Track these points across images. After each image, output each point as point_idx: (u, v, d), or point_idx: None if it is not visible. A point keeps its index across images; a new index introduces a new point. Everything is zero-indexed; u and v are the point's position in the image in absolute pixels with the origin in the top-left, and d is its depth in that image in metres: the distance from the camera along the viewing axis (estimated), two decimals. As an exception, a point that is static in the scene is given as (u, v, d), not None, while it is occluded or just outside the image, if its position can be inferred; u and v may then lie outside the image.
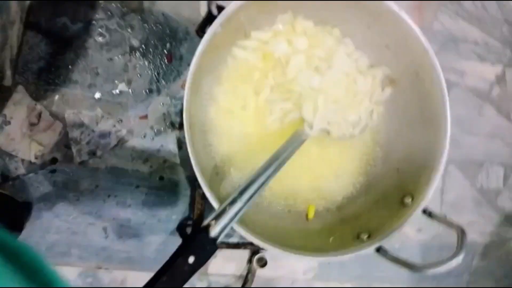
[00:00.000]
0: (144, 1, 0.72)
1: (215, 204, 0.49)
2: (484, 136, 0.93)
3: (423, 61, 0.59)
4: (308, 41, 0.62)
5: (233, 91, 0.61)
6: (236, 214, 0.46)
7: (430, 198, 0.56)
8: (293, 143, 0.55)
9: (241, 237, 0.72)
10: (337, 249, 0.55)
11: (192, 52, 0.73)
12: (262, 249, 0.64)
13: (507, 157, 0.95)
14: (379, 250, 0.55)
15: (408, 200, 0.58)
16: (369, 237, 0.57)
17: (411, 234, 0.88)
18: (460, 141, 0.91)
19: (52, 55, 0.67)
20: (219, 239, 0.45)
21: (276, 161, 0.52)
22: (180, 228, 0.71)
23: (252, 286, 0.74)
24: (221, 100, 0.61)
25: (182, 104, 0.72)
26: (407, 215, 0.56)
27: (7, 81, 0.65)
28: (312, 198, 0.63)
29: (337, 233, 0.59)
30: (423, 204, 0.56)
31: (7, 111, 0.65)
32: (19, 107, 0.66)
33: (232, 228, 0.47)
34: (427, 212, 0.57)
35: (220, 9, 0.52)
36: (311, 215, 0.63)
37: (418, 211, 0.56)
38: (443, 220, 0.55)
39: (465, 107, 0.92)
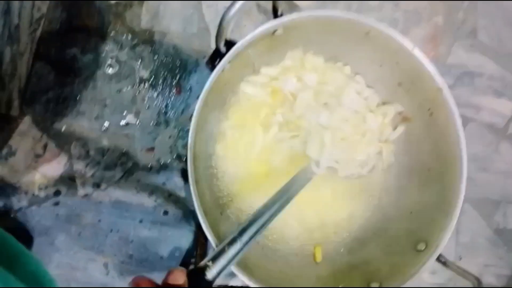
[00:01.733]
0: (155, 33, 0.71)
1: (214, 244, 0.47)
2: (500, 174, 0.90)
3: (437, 99, 0.57)
4: (317, 77, 0.60)
5: (240, 126, 0.60)
6: (235, 255, 0.43)
7: (444, 245, 0.53)
8: (298, 182, 0.53)
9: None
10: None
11: (201, 83, 0.73)
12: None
13: (525, 196, 0.91)
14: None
15: (421, 247, 0.55)
16: (380, 286, 0.54)
17: (425, 277, 0.84)
18: (475, 179, 0.88)
19: (60, 86, 0.67)
20: (217, 281, 0.42)
21: (280, 200, 0.49)
22: (184, 265, 0.69)
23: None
24: (228, 136, 0.59)
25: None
26: (420, 263, 0.53)
27: (14, 111, 0.64)
28: (321, 240, 0.61)
29: (347, 280, 0.56)
30: (437, 252, 0.53)
31: (12, 142, 0.65)
32: (25, 138, 0.65)
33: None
34: (441, 260, 0.54)
35: (229, 44, 0.51)
36: (318, 257, 0.60)
37: (432, 260, 0.53)
38: (458, 270, 0.52)
39: (481, 143, 0.89)
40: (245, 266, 0.48)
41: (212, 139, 0.59)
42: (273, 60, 0.59)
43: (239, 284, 0.70)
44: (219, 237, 0.48)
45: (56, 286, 0.32)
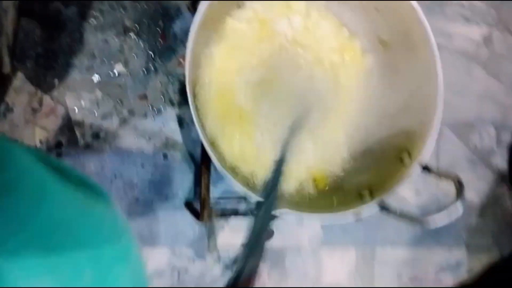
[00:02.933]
0: (134, -18, 0.72)
1: (218, 166, 0.50)
2: (474, 97, 0.95)
3: (411, 21, 0.60)
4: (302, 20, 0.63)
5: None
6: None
7: (427, 153, 0.58)
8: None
9: (248, 205, 0.75)
10: (341, 208, 0.57)
11: (185, 29, 0.75)
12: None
13: (498, 117, 0.97)
14: (383, 210, 0.57)
15: (406, 157, 0.60)
16: (371, 195, 0.59)
17: (409, 197, 0.90)
18: (451, 103, 0.92)
19: (48, 40, 0.68)
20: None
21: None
22: (188, 204, 0.73)
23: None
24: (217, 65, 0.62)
25: (179, 82, 0.74)
26: (406, 171, 0.58)
27: (6, 69, 0.65)
28: (314, 164, 0.65)
29: (340, 194, 0.61)
30: (421, 160, 0.58)
31: (8, 98, 0.66)
32: (20, 94, 0.66)
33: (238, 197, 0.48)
34: (424, 168, 0.59)
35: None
36: (322, 184, 0.64)
37: (416, 167, 0.58)
38: (440, 173, 0.57)
39: (454, 69, 0.93)
40: (250, 187, 0.52)
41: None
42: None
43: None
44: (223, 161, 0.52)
45: (102, 191, 0.35)
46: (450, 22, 0.93)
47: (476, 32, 0.96)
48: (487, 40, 0.96)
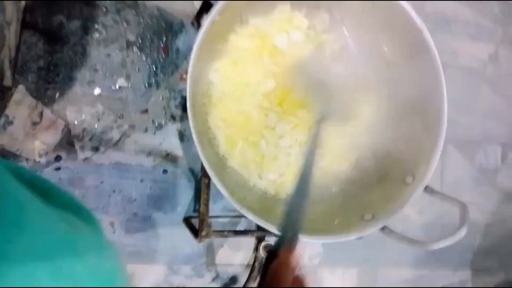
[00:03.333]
0: (138, -4, 0.72)
1: (220, 186, 0.50)
2: (480, 115, 0.94)
3: (417, 41, 0.60)
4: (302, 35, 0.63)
5: (229, 78, 0.62)
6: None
7: (431, 175, 0.57)
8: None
9: (248, 224, 0.74)
10: (342, 230, 0.56)
11: (188, 44, 0.74)
12: (268, 233, 0.65)
13: (504, 135, 0.96)
14: (384, 230, 0.56)
15: (409, 179, 0.59)
16: (373, 218, 0.58)
17: (413, 216, 0.89)
18: (457, 121, 0.92)
19: (50, 53, 0.68)
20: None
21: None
22: (187, 220, 0.72)
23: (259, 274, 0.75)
24: (219, 85, 0.61)
25: (181, 97, 0.73)
26: (409, 193, 0.57)
27: (7, 81, 0.65)
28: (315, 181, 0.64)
29: (341, 215, 0.60)
30: (424, 182, 0.57)
31: (8, 111, 0.65)
32: (21, 106, 0.66)
33: (239, 215, 0.48)
34: (428, 190, 0.58)
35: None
36: None
37: (419, 189, 0.57)
38: (444, 197, 0.56)
39: (460, 87, 0.93)
40: (248, 207, 0.52)
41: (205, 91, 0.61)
42: (259, 10, 0.61)
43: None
44: (224, 182, 0.51)
45: (89, 213, 0.34)
46: (456, 40, 0.92)
47: (482, 50, 0.95)
48: (493, 58, 0.95)
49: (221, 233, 0.62)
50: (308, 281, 0.37)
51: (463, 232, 0.50)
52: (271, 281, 0.36)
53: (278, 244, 0.40)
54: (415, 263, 0.88)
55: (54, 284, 0.26)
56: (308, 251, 0.81)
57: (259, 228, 0.68)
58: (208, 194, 0.62)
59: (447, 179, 0.91)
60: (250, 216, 0.51)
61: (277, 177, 0.62)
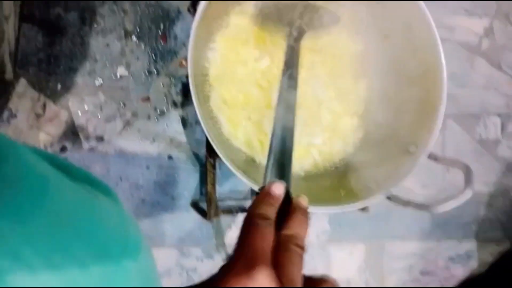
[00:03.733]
0: (134, -15, 0.72)
1: (227, 162, 0.50)
2: (478, 89, 0.95)
3: (414, 13, 0.60)
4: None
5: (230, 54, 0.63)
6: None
7: (433, 143, 0.58)
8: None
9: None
10: (349, 200, 0.57)
11: (185, 31, 0.75)
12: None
13: (502, 106, 0.97)
14: (390, 198, 0.57)
15: (412, 148, 0.60)
16: (378, 187, 0.58)
17: (416, 190, 0.90)
18: (455, 95, 0.92)
19: (50, 45, 0.68)
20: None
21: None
22: (194, 203, 0.73)
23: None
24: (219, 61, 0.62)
25: (182, 83, 0.74)
26: (413, 162, 0.58)
27: (9, 75, 0.66)
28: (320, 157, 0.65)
29: (347, 186, 0.61)
30: (428, 149, 0.57)
31: (11, 104, 0.66)
32: (23, 99, 0.67)
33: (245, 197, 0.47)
34: (432, 157, 0.58)
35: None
36: None
37: (424, 156, 0.57)
38: (447, 161, 0.57)
39: (457, 61, 0.93)
40: (257, 180, 0.52)
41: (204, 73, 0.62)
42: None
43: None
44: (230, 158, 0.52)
45: (107, 187, 0.35)
46: (451, 15, 0.93)
47: (477, 23, 0.96)
48: (488, 32, 0.96)
49: (229, 211, 0.63)
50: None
51: (469, 194, 0.50)
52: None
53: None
54: (421, 235, 0.89)
55: (78, 248, 0.27)
56: (315, 229, 0.81)
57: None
58: (214, 173, 0.62)
59: (448, 152, 0.92)
60: (258, 189, 0.51)
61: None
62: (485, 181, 0.95)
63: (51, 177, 0.27)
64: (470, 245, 0.93)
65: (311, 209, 0.54)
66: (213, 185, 0.61)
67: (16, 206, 0.24)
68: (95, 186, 0.33)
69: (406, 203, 0.54)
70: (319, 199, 0.58)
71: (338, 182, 0.63)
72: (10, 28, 0.65)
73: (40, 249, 0.24)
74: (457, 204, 0.51)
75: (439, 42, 0.60)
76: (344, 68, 0.66)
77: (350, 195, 0.58)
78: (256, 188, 0.51)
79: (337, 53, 0.66)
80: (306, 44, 0.61)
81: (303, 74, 0.62)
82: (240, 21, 0.61)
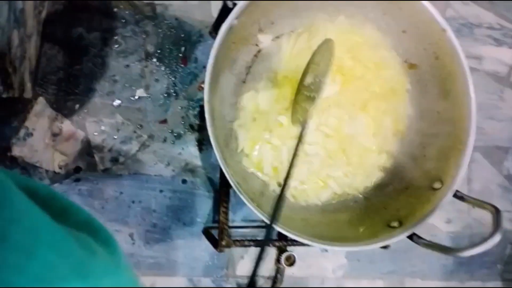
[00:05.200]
0: (157, 7, 0.72)
1: (244, 198, 0.48)
2: (507, 121, 0.91)
3: (441, 42, 0.58)
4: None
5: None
6: None
7: (460, 180, 0.55)
8: None
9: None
10: (368, 238, 0.54)
11: (206, 54, 0.74)
12: (291, 242, 0.64)
13: (532, 141, 0.93)
14: (412, 238, 0.54)
15: (437, 185, 0.57)
16: (400, 225, 0.56)
17: (440, 226, 0.86)
18: (483, 127, 0.89)
19: (70, 65, 0.68)
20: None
21: None
22: (206, 231, 0.71)
23: (281, 287, 0.73)
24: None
25: (200, 106, 0.73)
26: (438, 199, 0.55)
27: (27, 93, 0.65)
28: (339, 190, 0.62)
29: (367, 223, 0.58)
30: (454, 187, 0.54)
31: (29, 123, 0.66)
32: (41, 118, 0.66)
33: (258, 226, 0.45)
34: (458, 196, 0.55)
35: (235, 5, 0.52)
36: None
37: (449, 194, 0.54)
38: (475, 202, 0.54)
39: (486, 92, 0.90)
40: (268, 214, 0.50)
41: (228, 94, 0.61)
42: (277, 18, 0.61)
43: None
44: (244, 189, 0.50)
45: (107, 233, 0.33)
46: (480, 45, 0.90)
47: (506, 54, 0.92)
48: (518, 62, 0.92)
49: (242, 242, 0.60)
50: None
51: (497, 238, 0.47)
52: None
53: None
54: (443, 275, 0.84)
55: None
56: (331, 264, 0.78)
57: (280, 237, 0.66)
58: (227, 202, 0.60)
59: (475, 187, 0.88)
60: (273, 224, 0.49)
61: (298, 184, 0.61)
62: (510, 218, 0.91)
63: (43, 234, 0.24)
64: (494, 285, 0.88)
65: (327, 246, 0.51)
66: (226, 214, 0.59)
67: (2, 261, 0.22)
68: (94, 232, 0.31)
69: (430, 246, 0.51)
70: (336, 235, 0.55)
71: (357, 218, 0.60)
72: (31, 47, 0.66)
73: None
74: (485, 249, 0.48)
75: (468, 72, 0.57)
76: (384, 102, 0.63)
77: (370, 233, 0.55)
78: (267, 220, 0.49)
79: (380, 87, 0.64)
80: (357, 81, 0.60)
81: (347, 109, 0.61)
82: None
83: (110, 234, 0.32)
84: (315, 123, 0.61)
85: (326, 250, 0.77)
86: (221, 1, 0.52)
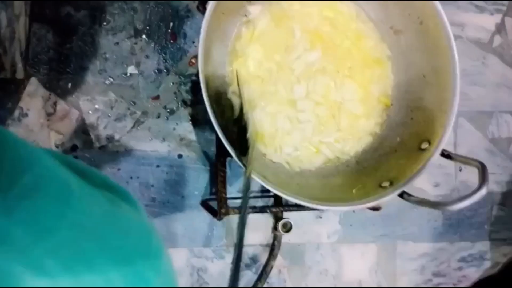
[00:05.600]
0: (143, -17, 0.72)
1: (237, 159, 0.50)
2: (490, 86, 0.94)
3: (425, 7, 0.59)
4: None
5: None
6: None
7: (446, 139, 0.57)
8: None
9: (264, 204, 0.74)
10: (361, 199, 0.56)
11: (195, 29, 0.75)
12: (287, 208, 0.66)
13: (516, 105, 0.95)
14: (403, 196, 0.56)
15: (425, 145, 0.59)
16: (391, 185, 0.58)
17: (428, 189, 0.88)
18: (467, 93, 0.91)
19: (60, 44, 0.68)
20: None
21: None
22: (204, 203, 0.73)
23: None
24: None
25: (192, 81, 0.74)
26: (426, 159, 0.57)
27: (19, 74, 0.66)
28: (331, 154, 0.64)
29: (359, 184, 0.60)
30: (440, 146, 0.56)
31: (23, 103, 0.66)
32: (34, 98, 0.67)
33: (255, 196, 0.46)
34: (445, 154, 0.58)
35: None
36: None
37: (436, 153, 0.56)
38: (461, 159, 0.56)
39: (469, 59, 0.92)
40: (266, 180, 0.52)
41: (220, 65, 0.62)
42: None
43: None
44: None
45: (127, 193, 0.34)
46: (463, 12, 0.92)
47: (489, 20, 0.94)
48: (500, 29, 0.94)
49: (240, 210, 0.62)
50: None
51: (483, 191, 0.49)
52: None
53: None
54: (433, 236, 0.88)
55: (100, 258, 0.26)
56: (326, 229, 0.81)
57: (276, 204, 0.68)
58: (224, 172, 0.62)
59: (461, 151, 0.91)
60: (269, 187, 0.51)
61: (292, 151, 0.63)
62: (497, 180, 0.94)
63: (73, 186, 0.26)
64: (483, 245, 0.91)
65: (323, 207, 0.53)
66: (224, 183, 0.61)
67: (39, 218, 0.23)
68: (114, 192, 0.32)
69: (420, 202, 0.53)
70: (331, 197, 0.58)
71: (349, 181, 0.62)
72: (20, 28, 0.66)
73: (63, 261, 0.24)
74: (472, 202, 0.50)
75: (452, 39, 0.59)
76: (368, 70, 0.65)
77: (362, 194, 0.57)
78: (268, 187, 0.51)
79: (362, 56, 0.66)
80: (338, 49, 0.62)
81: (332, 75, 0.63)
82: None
83: (129, 193, 0.34)
84: (305, 90, 0.62)
85: (321, 217, 0.80)
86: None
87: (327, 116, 0.63)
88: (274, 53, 0.62)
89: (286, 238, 0.76)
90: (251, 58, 0.62)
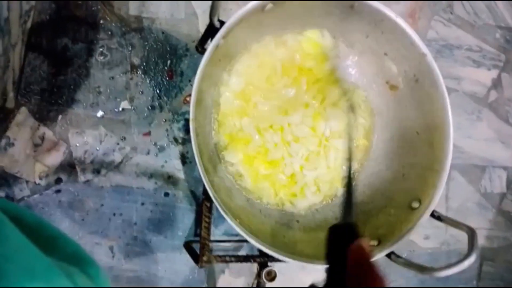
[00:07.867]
0: (144, 20, 0.72)
1: (221, 210, 0.49)
2: (484, 141, 0.94)
3: (421, 65, 0.59)
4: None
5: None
6: None
7: (437, 201, 0.56)
8: None
9: (250, 249, 0.72)
10: (348, 256, 0.54)
11: (192, 68, 0.74)
12: (271, 259, 0.64)
13: (509, 160, 0.95)
14: (390, 256, 0.55)
15: (415, 204, 0.58)
16: (379, 244, 0.57)
17: (419, 242, 0.87)
18: (461, 146, 0.91)
19: (54, 75, 0.68)
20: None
21: None
22: (187, 244, 0.71)
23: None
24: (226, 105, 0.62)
25: (184, 120, 0.73)
26: (416, 219, 0.56)
27: (10, 103, 0.65)
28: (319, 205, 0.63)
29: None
30: (431, 207, 0.56)
31: (10, 132, 0.65)
32: (23, 128, 0.66)
33: (240, 240, 0.46)
34: (435, 216, 0.57)
35: (221, 23, 0.53)
36: None
37: (427, 214, 0.55)
38: (452, 222, 0.55)
39: (464, 112, 0.93)
40: (251, 231, 0.51)
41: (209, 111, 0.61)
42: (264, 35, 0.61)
43: None
44: (225, 204, 0.50)
45: (97, 266, 0.33)
46: (460, 66, 0.93)
47: (485, 75, 0.95)
48: (496, 84, 0.95)
49: (223, 258, 0.60)
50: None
51: (472, 258, 0.48)
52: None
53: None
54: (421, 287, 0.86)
55: None
56: (311, 278, 0.79)
57: (261, 253, 0.66)
58: (209, 217, 0.60)
59: (452, 204, 0.90)
60: (253, 241, 0.50)
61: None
62: (488, 235, 0.93)
63: (37, 270, 0.25)
64: (471, 302, 0.90)
65: (309, 265, 0.52)
66: (208, 229, 0.59)
67: None
68: (82, 264, 0.31)
69: (408, 265, 0.52)
70: (317, 252, 0.56)
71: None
72: (16, 56, 0.65)
73: None
74: (460, 269, 0.49)
75: (447, 99, 0.59)
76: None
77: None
78: (253, 242, 0.49)
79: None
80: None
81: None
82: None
83: (99, 268, 0.33)
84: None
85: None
86: (208, 17, 0.53)
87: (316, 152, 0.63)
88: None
89: (270, 285, 0.74)
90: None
